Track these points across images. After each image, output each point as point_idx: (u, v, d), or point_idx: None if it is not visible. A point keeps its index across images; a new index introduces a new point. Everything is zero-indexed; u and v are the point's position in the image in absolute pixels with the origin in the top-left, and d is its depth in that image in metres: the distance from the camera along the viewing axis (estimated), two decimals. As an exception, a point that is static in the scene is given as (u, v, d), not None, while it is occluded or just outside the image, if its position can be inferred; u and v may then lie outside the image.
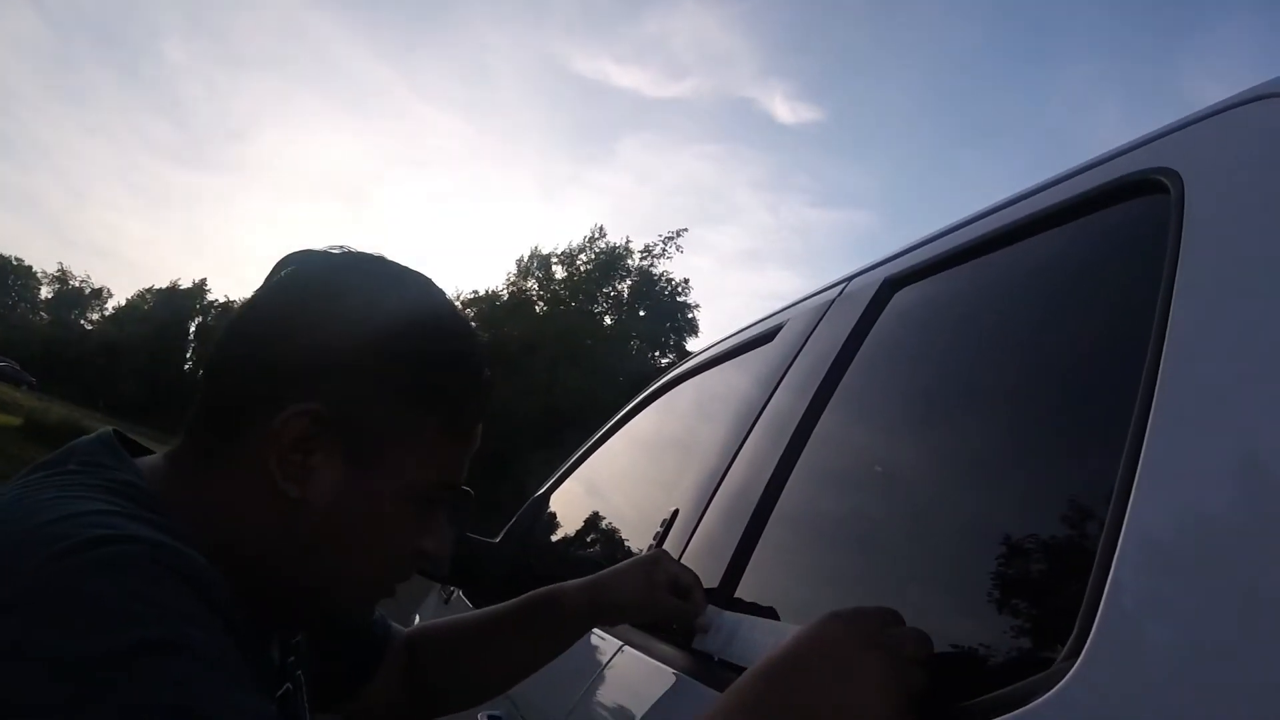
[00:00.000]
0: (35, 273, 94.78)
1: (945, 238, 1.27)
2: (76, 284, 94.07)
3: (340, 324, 0.83)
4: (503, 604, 1.25)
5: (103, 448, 0.81)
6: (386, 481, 0.83)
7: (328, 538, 0.82)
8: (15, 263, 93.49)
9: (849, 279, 1.53)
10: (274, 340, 0.83)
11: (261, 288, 0.88)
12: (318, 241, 0.91)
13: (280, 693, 0.90)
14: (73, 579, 0.62)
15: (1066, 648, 0.64)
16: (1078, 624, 0.65)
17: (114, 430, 0.86)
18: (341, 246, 0.91)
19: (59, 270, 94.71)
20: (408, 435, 0.84)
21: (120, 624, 0.61)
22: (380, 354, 0.83)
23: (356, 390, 0.82)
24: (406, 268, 0.92)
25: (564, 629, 1.22)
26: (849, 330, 1.34)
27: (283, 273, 0.88)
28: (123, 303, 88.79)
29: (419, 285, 0.90)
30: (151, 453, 0.87)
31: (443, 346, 0.87)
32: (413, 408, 0.84)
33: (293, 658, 0.95)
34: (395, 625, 1.24)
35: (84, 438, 0.84)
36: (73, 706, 0.58)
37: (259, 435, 0.80)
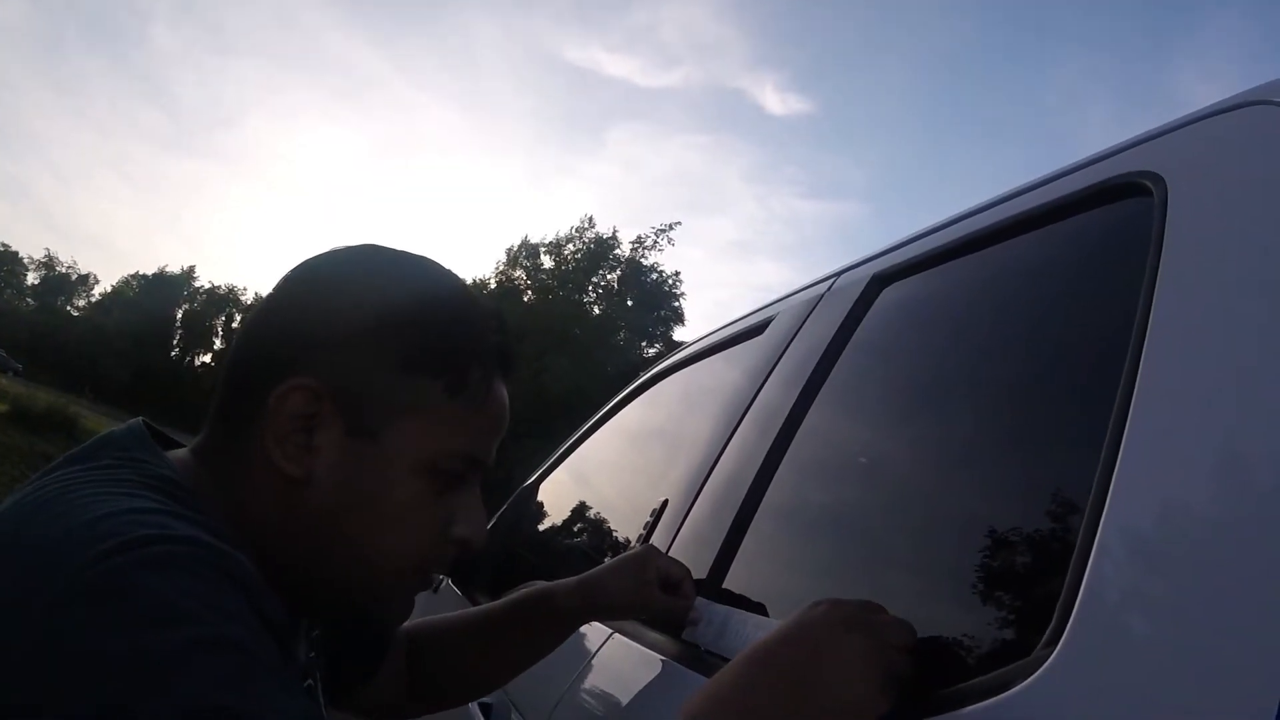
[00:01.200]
0: (22, 259, 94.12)
1: (932, 235, 1.29)
2: (63, 270, 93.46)
3: (333, 299, 0.83)
4: (495, 603, 1.26)
5: (136, 441, 0.81)
6: (394, 453, 0.82)
7: (340, 518, 0.81)
8: (2, 249, 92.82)
9: (837, 274, 1.54)
10: (272, 328, 0.84)
11: (270, 290, 0.88)
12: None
13: (304, 686, 0.90)
14: (123, 577, 0.62)
15: (1046, 635, 0.66)
16: (1057, 612, 0.66)
17: (144, 421, 0.86)
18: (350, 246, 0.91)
19: (46, 256, 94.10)
20: (411, 403, 0.82)
21: (173, 621, 0.61)
22: (372, 321, 0.82)
23: (351, 360, 0.81)
24: (403, 250, 0.91)
25: (556, 628, 1.23)
26: (837, 325, 1.36)
27: (290, 275, 0.88)
28: (109, 289, 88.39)
29: (411, 259, 0.90)
30: (180, 444, 0.87)
31: (438, 309, 0.86)
32: (412, 374, 0.82)
33: (313, 653, 0.96)
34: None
35: (116, 429, 0.83)
36: (126, 704, 0.58)
37: (262, 420, 0.80)
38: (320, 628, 1.02)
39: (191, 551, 0.66)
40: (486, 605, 1.28)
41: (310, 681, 0.92)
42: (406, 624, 1.27)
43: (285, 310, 0.85)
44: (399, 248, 0.90)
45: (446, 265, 0.91)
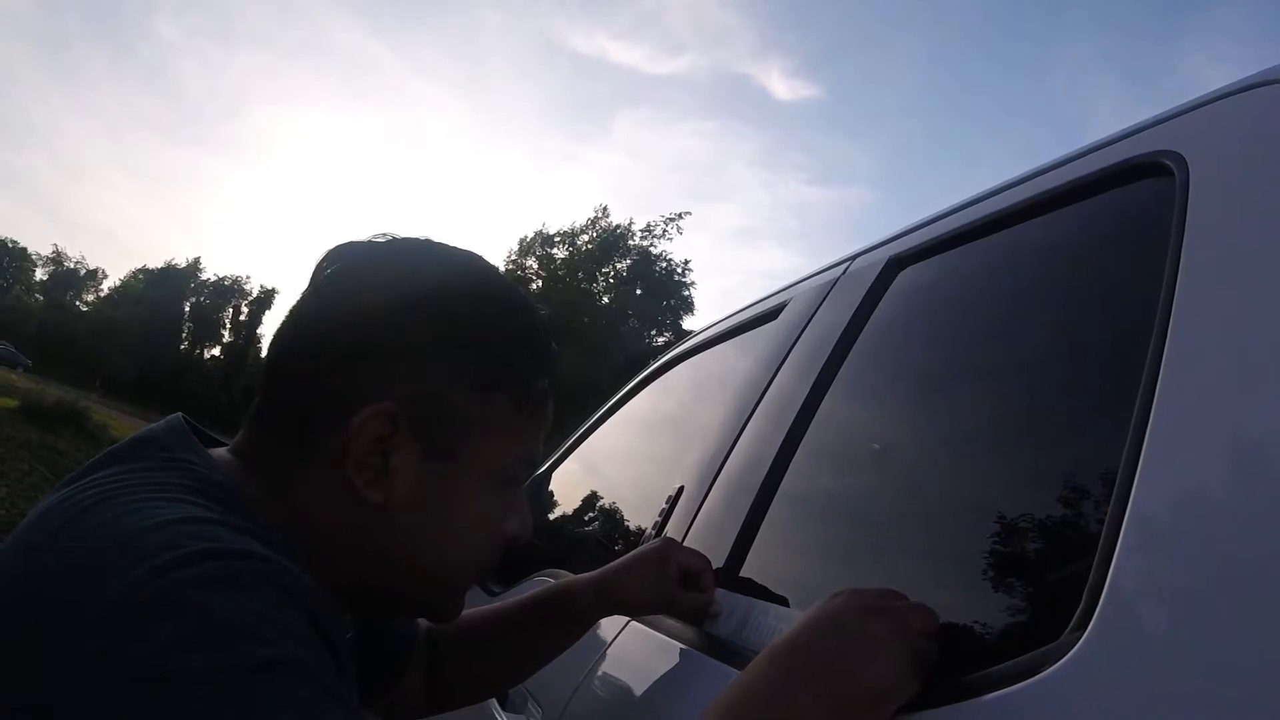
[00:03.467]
0: (30, 255, 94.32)
1: (950, 217, 1.28)
2: (71, 265, 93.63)
3: (400, 316, 0.81)
4: (513, 600, 1.26)
5: (179, 440, 0.80)
6: (467, 470, 0.83)
7: (415, 537, 0.82)
8: (10, 245, 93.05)
9: (853, 258, 1.53)
10: (336, 338, 0.81)
11: (311, 286, 0.86)
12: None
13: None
14: (184, 593, 0.61)
15: (1074, 619, 0.65)
16: (1085, 595, 0.66)
17: (183, 417, 0.84)
18: (384, 234, 0.89)
19: (54, 252, 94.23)
20: (483, 419, 0.83)
21: (236, 642, 0.60)
22: (446, 341, 0.81)
23: (427, 381, 0.80)
24: (455, 248, 0.90)
25: (574, 625, 1.23)
26: (853, 309, 1.34)
27: (330, 269, 0.86)
28: (117, 283, 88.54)
29: (473, 265, 0.89)
30: (220, 442, 0.86)
31: (508, 325, 0.86)
32: (484, 391, 0.83)
33: (346, 651, 0.95)
34: (420, 620, 1.24)
35: (156, 426, 0.82)
36: None
37: (332, 439, 0.78)
38: (353, 632, 1.01)
39: (251, 567, 0.65)
40: (503, 603, 1.27)
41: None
42: (426, 625, 1.26)
43: (351, 322, 0.82)
44: (446, 244, 0.90)
45: (488, 261, 0.91)
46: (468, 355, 0.82)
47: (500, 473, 0.85)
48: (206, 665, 0.58)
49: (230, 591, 0.62)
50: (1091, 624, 0.63)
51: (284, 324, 0.85)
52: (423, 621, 1.24)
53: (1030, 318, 1.05)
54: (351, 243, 0.89)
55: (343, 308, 0.83)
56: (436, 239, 0.91)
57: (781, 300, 1.69)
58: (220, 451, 0.83)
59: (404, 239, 0.89)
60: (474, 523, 0.85)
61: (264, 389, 0.84)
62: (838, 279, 1.50)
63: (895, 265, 1.35)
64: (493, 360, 0.83)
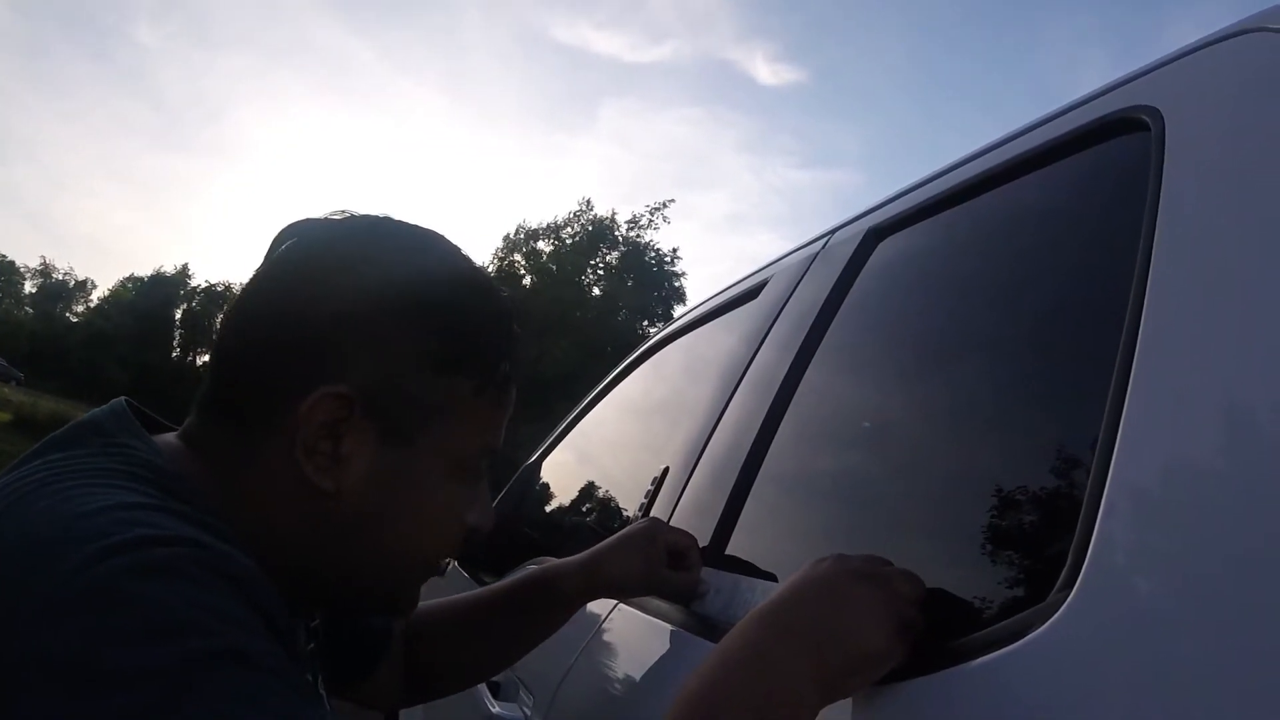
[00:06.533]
0: (18, 268, 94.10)
1: (927, 185, 1.27)
2: (60, 277, 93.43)
3: (356, 295, 0.77)
4: (497, 584, 1.23)
5: (121, 424, 0.76)
6: (426, 457, 0.79)
7: (368, 526, 0.78)
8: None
9: (832, 231, 1.52)
10: (288, 319, 0.77)
11: (264, 264, 0.82)
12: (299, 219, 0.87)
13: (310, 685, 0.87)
14: (122, 583, 0.58)
15: (1060, 579, 0.64)
16: (1070, 555, 0.65)
17: (126, 400, 0.81)
18: (342, 211, 0.85)
19: (42, 264, 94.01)
20: (442, 405, 0.79)
21: (178, 633, 0.58)
22: (403, 323, 0.78)
23: (382, 364, 0.76)
24: (414, 225, 0.86)
25: (560, 609, 1.20)
26: (833, 283, 1.33)
27: (284, 245, 0.82)
28: (106, 293, 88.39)
29: (433, 244, 0.85)
30: (165, 425, 0.83)
31: (469, 307, 0.82)
32: (443, 375, 0.79)
33: (312, 644, 0.93)
34: None
35: (99, 410, 0.79)
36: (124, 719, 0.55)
37: (283, 424, 0.75)
38: (320, 619, 0.99)
39: (189, 554, 0.62)
40: (485, 588, 1.25)
41: (309, 675, 0.89)
42: None
43: (290, 300, 0.78)
44: (406, 222, 0.86)
45: (451, 240, 0.87)
46: (427, 337, 0.78)
47: (460, 461, 0.81)
48: (147, 660, 0.56)
49: (167, 580, 0.60)
50: (1078, 583, 0.63)
51: (234, 304, 0.82)
52: None
53: (1010, 282, 1.04)
54: (306, 220, 0.85)
55: (295, 288, 0.79)
56: (396, 216, 0.87)
57: (763, 278, 1.69)
58: (167, 436, 0.80)
59: (361, 216, 0.85)
60: (432, 513, 0.81)
61: (213, 371, 0.80)
62: (817, 253, 1.49)
63: (874, 237, 1.34)
64: (453, 343, 0.79)
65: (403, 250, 0.83)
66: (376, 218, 0.85)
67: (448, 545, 0.85)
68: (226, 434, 0.78)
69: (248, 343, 0.79)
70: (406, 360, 0.77)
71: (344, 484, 0.76)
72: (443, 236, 0.87)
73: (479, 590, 1.26)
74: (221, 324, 0.82)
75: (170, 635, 0.57)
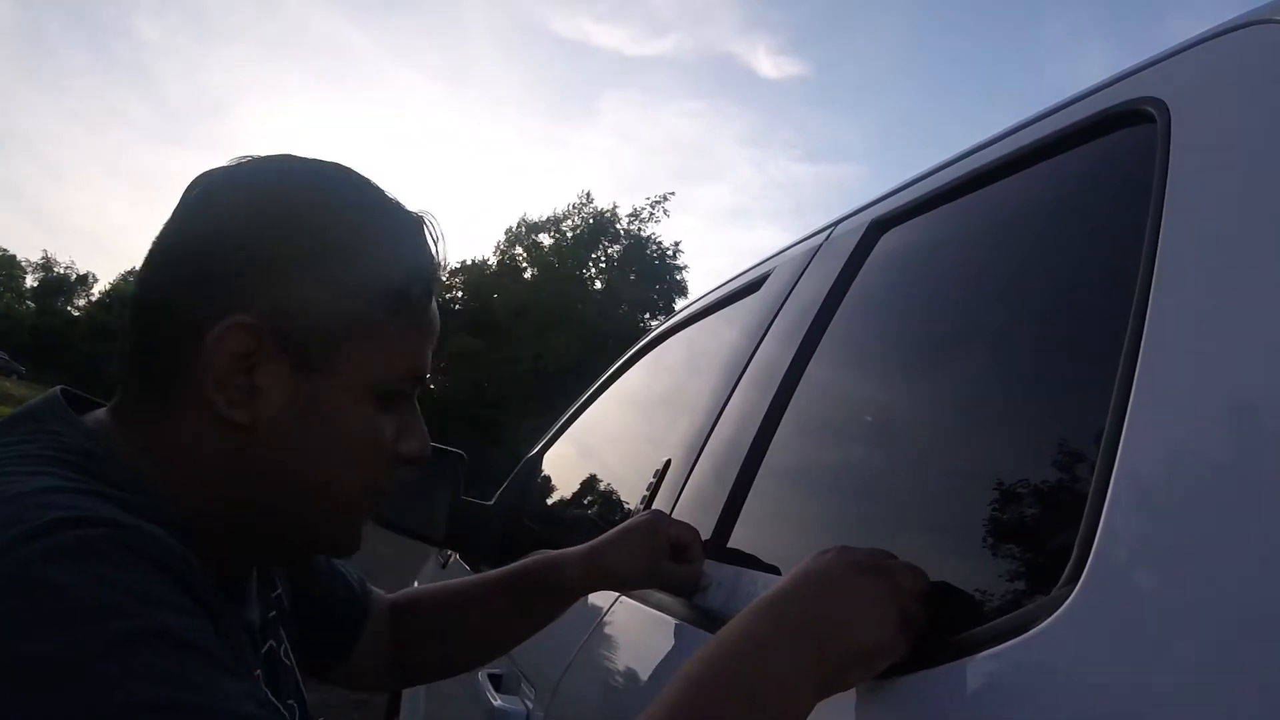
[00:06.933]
0: (20, 262, 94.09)
1: (931, 177, 1.26)
2: (61, 271, 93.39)
3: (255, 224, 0.76)
4: (496, 570, 1.22)
5: (52, 411, 0.76)
6: (343, 383, 0.78)
7: (292, 459, 0.77)
8: (0, 253, 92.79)
9: (835, 223, 1.52)
10: (189, 257, 0.76)
11: (172, 213, 0.80)
12: None
13: (264, 649, 0.86)
14: (34, 568, 0.57)
15: (1065, 573, 0.64)
16: (1075, 549, 0.64)
17: (62, 388, 0.80)
18: (245, 156, 0.83)
19: (43, 258, 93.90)
20: (353, 329, 0.78)
21: (96, 617, 0.57)
22: (306, 248, 0.77)
23: (288, 292, 0.75)
24: (319, 159, 0.84)
25: (558, 599, 1.19)
26: (836, 275, 1.33)
27: (193, 194, 0.80)
28: (109, 286, 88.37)
29: (334, 172, 0.83)
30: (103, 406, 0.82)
31: (375, 228, 0.81)
32: (351, 298, 0.77)
33: (273, 612, 0.92)
34: (378, 591, 1.21)
35: (36, 399, 0.79)
36: (47, 710, 0.54)
37: (196, 366, 0.74)
38: (286, 593, 0.98)
39: (107, 534, 0.61)
40: (484, 573, 1.23)
41: (271, 643, 0.88)
42: (394, 594, 1.24)
43: (204, 238, 0.77)
44: (308, 157, 0.84)
45: (358, 170, 0.85)
46: (332, 261, 0.77)
47: (381, 386, 0.80)
48: (60, 646, 0.55)
49: (84, 562, 0.59)
50: (1083, 577, 0.62)
51: (142, 262, 0.80)
52: (380, 592, 1.21)
53: (1014, 274, 1.04)
54: (211, 169, 0.83)
55: (195, 227, 0.78)
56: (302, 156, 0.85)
57: (765, 270, 1.68)
58: (98, 413, 0.79)
59: (263, 156, 0.83)
60: (355, 441, 0.79)
61: (127, 334, 0.79)
62: (820, 246, 1.48)
63: (876, 229, 1.33)
64: (361, 265, 0.79)
65: (302, 178, 0.81)
66: (278, 155, 0.84)
67: (377, 475, 0.83)
68: (147, 396, 0.77)
69: (153, 289, 0.78)
70: (312, 286, 0.76)
71: (260, 416, 0.75)
72: (343, 165, 0.85)
73: (476, 575, 1.24)
74: (135, 281, 0.81)
75: (88, 619, 0.57)
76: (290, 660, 0.93)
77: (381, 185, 0.85)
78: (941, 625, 0.75)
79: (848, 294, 1.30)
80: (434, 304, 0.85)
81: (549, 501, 2.56)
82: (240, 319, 0.73)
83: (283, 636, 0.93)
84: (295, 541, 0.83)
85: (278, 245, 0.76)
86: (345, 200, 0.81)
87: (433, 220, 0.87)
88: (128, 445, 0.75)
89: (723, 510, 1.23)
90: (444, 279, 0.87)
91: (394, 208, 0.84)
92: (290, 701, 0.88)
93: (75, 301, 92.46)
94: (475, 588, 1.21)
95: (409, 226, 0.84)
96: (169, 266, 0.77)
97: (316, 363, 0.76)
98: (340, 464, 0.80)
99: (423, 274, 0.83)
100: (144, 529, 0.64)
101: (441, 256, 0.86)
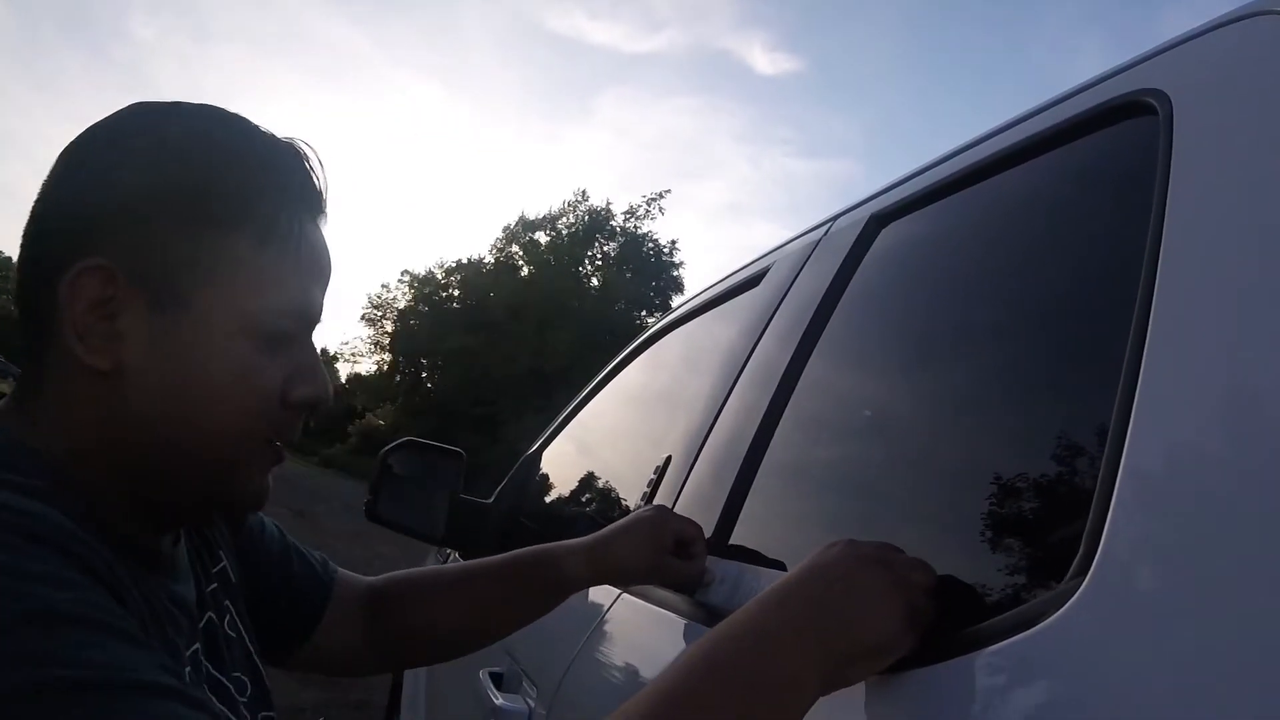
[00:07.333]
0: (15, 263, 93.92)
1: (931, 170, 1.26)
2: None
3: (107, 166, 0.74)
4: (494, 557, 1.19)
5: None
6: (210, 321, 0.74)
7: (166, 404, 0.73)
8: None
9: (834, 218, 1.51)
10: (48, 209, 0.74)
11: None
12: None
13: (203, 623, 0.84)
14: None
15: (1073, 566, 0.64)
16: (1084, 541, 0.64)
17: None
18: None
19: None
20: (219, 262, 0.74)
21: None
22: (156, 179, 0.73)
23: (143, 230, 0.72)
24: (178, 100, 0.80)
25: (557, 591, 1.17)
26: (835, 270, 1.32)
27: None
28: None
29: (190, 105, 0.80)
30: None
31: (228, 152, 0.77)
32: (213, 232, 0.74)
33: (214, 585, 0.90)
34: (346, 573, 1.17)
35: None
36: None
37: (59, 321, 0.71)
38: (237, 568, 0.96)
39: None
40: (477, 560, 1.20)
41: (211, 615, 0.86)
42: (377, 577, 1.20)
43: (58, 194, 0.75)
44: (172, 99, 0.80)
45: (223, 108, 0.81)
46: (187, 193, 0.74)
47: (256, 323, 0.76)
48: None
49: None
50: (1091, 570, 0.62)
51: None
52: (354, 575, 1.18)
53: (1016, 267, 1.04)
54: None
55: (53, 181, 0.75)
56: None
57: (764, 265, 1.68)
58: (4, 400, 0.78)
59: (123, 106, 0.80)
60: (230, 381, 0.75)
61: (17, 313, 0.77)
62: (819, 240, 1.48)
63: (876, 223, 1.33)
64: (220, 195, 0.75)
65: (151, 116, 0.78)
66: (135, 103, 0.81)
67: (260, 422, 0.78)
68: (31, 366, 0.76)
69: (21, 254, 0.76)
70: (169, 221, 0.73)
71: (125, 363, 0.72)
72: (211, 105, 0.82)
73: (472, 561, 1.21)
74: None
75: None
76: (237, 633, 0.90)
77: (252, 120, 0.81)
78: (949, 620, 0.74)
79: (848, 289, 1.30)
80: (317, 234, 0.81)
81: (548, 499, 2.55)
82: (91, 261, 0.71)
83: (227, 609, 0.90)
84: (186, 497, 0.79)
85: (128, 183, 0.73)
86: (198, 132, 0.77)
87: (308, 146, 0.83)
88: (23, 424, 0.74)
89: (724, 506, 1.23)
90: (327, 210, 0.83)
91: (259, 135, 0.80)
92: (237, 675, 0.86)
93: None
94: (470, 571, 1.19)
95: (277, 153, 0.80)
96: (32, 223, 0.75)
97: (179, 302, 0.73)
98: (213, 410, 0.75)
99: (291, 199, 0.79)
100: (27, 508, 0.62)
101: (321, 183, 0.82)
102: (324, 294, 0.83)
